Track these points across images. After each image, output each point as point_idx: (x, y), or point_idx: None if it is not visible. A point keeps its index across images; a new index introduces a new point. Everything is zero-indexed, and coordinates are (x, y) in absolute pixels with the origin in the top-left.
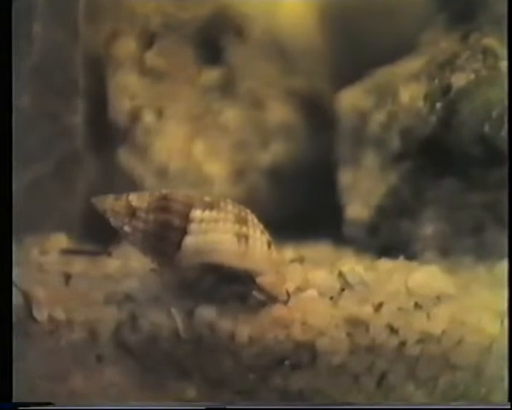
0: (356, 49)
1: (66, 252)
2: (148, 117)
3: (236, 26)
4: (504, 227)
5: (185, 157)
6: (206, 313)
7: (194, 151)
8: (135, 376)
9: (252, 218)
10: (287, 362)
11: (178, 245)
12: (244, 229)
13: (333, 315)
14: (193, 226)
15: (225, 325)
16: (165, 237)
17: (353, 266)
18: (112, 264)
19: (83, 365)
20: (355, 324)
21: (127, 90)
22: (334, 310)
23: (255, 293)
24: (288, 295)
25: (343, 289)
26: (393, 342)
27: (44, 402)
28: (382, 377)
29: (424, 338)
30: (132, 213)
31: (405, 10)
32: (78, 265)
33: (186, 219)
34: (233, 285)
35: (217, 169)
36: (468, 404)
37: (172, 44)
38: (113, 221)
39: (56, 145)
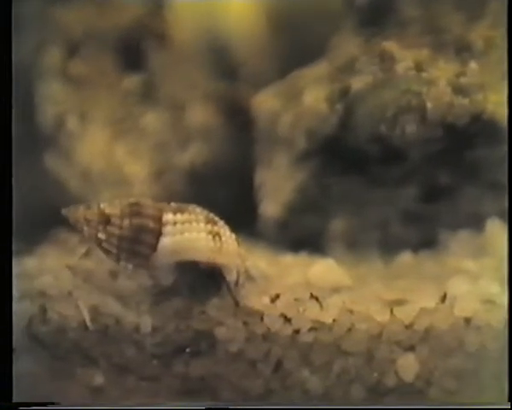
0: (286, 51)
1: None
2: (72, 122)
3: (159, 31)
4: (406, 221)
5: (107, 159)
6: (112, 305)
7: (116, 153)
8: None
9: (218, 219)
10: (188, 350)
11: (154, 247)
12: (216, 228)
13: (232, 306)
14: (168, 228)
15: (130, 316)
16: (141, 239)
17: (256, 260)
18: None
19: None
20: (251, 314)
21: (52, 97)
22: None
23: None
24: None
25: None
26: (287, 330)
27: (45, 402)
28: (278, 364)
29: (316, 327)
30: (106, 220)
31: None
32: None
33: (160, 222)
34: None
35: (137, 170)
36: (469, 404)
37: (95, 52)
38: (86, 230)
39: None
